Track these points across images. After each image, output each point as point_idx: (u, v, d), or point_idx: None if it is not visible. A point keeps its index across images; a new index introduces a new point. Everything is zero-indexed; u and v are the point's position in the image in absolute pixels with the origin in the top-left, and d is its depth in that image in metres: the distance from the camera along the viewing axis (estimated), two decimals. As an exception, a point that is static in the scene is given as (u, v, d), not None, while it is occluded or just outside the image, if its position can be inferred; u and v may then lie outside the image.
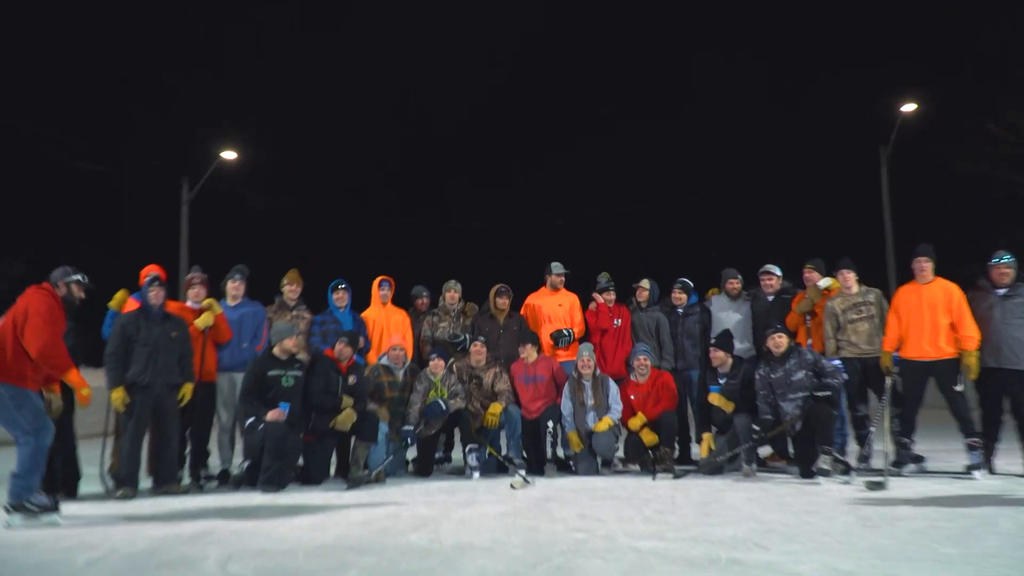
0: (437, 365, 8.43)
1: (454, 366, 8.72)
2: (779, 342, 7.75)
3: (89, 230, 29.79)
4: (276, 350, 7.67)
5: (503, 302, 9.14)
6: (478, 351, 8.68)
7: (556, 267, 9.45)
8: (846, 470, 7.30)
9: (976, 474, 7.35)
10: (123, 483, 6.99)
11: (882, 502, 6.03)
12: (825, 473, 7.25)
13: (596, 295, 9.14)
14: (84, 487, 7.18)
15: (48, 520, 5.70)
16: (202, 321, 7.78)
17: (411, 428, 8.17)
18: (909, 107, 22.74)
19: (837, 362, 7.89)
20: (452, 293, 9.30)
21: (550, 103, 38.50)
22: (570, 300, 9.38)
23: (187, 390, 7.34)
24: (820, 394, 7.47)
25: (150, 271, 7.89)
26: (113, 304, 7.80)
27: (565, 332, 9.07)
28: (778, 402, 7.67)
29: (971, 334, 7.55)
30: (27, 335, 5.79)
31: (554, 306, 9.30)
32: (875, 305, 8.13)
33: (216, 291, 8.28)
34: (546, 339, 9.10)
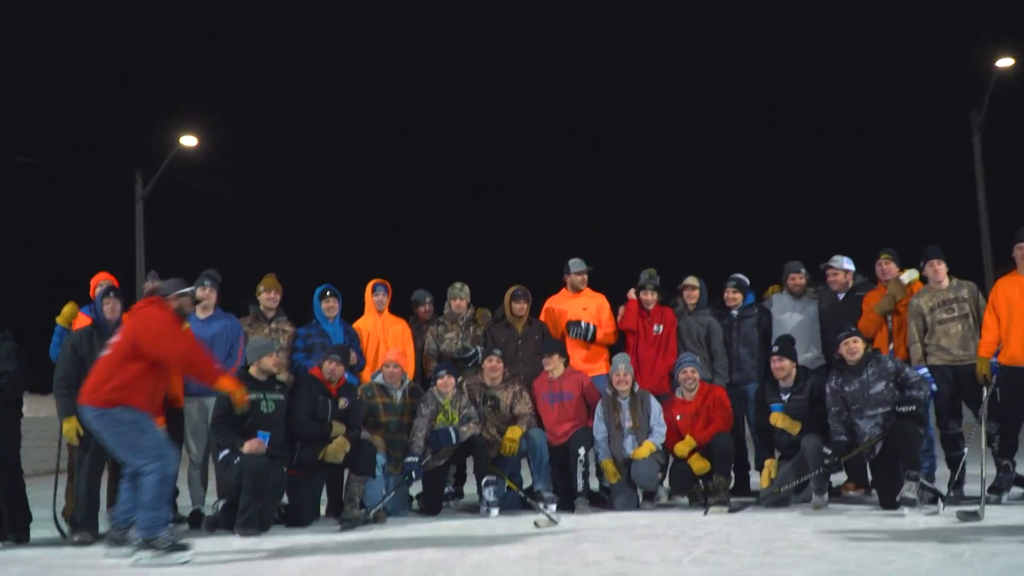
0: (447, 384, 8.48)
1: (465, 385, 8.81)
2: (854, 348, 7.77)
3: (28, 234, 30.08)
4: (253, 370, 7.78)
5: (520, 307, 9.20)
6: (493, 367, 8.74)
7: (575, 264, 9.50)
8: (935, 499, 7.33)
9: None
10: (80, 527, 7.12)
11: (977, 535, 6.07)
12: (910, 503, 7.26)
13: (631, 294, 9.20)
14: (36, 531, 7.35)
15: (178, 559, 5.99)
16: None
17: (415, 460, 8.24)
18: (1005, 62, 22.61)
19: (923, 371, 7.92)
20: (459, 301, 9.35)
21: (550, 103, 40.06)
22: (596, 302, 9.44)
23: None
24: (904, 409, 7.50)
25: (101, 279, 8.01)
26: (61, 320, 7.94)
27: (582, 324, 9.13)
28: (854, 420, 7.71)
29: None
30: (162, 348, 6.19)
31: (578, 310, 9.36)
32: (969, 302, 8.09)
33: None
34: (570, 352, 9.15)
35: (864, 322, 8.50)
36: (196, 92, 36.43)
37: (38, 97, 33.42)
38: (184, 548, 6.08)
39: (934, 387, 7.88)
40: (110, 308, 7.43)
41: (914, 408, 7.48)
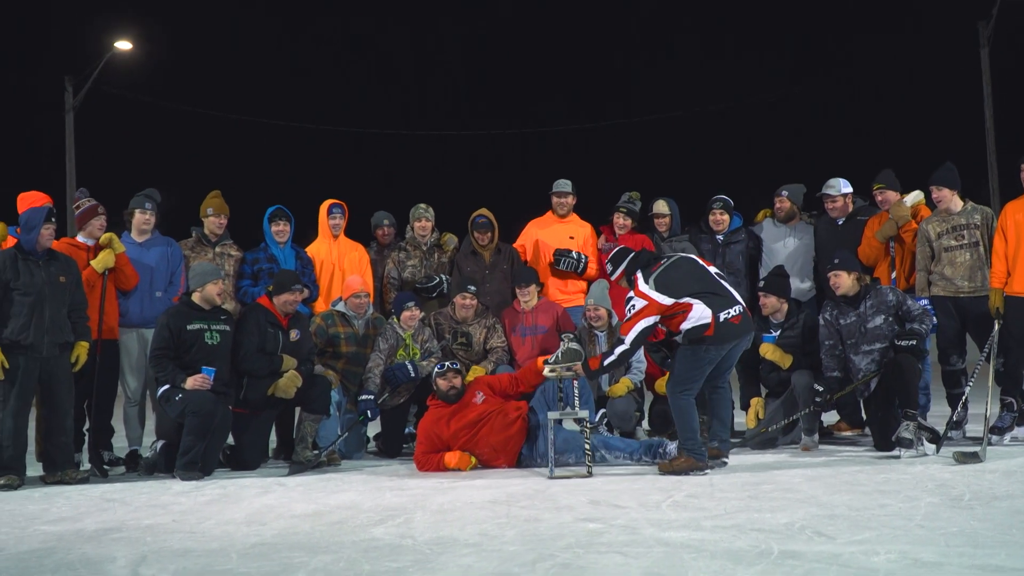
0: (413, 316, 8.42)
1: (431, 319, 8.76)
2: (836, 283, 7.76)
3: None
4: (196, 297, 7.68)
5: (483, 237, 9.11)
6: (466, 305, 8.65)
7: (559, 185, 9.42)
8: (933, 439, 7.39)
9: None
10: (6, 469, 7.05)
11: (977, 478, 6.13)
12: (907, 443, 7.30)
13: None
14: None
15: None
16: (100, 262, 7.76)
17: (370, 397, 8.20)
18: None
19: (924, 302, 7.92)
20: (423, 222, 9.26)
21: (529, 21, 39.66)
22: (584, 232, 9.39)
23: (81, 351, 7.37)
24: (903, 343, 7.52)
25: (36, 199, 7.84)
26: None
27: (573, 254, 9.06)
28: (849, 355, 7.73)
29: (1090, 265, 7.57)
30: None
31: (563, 237, 9.29)
32: (982, 229, 8.02)
33: (116, 222, 8.25)
34: (549, 282, 9.12)
35: (865, 249, 8.47)
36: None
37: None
38: None
39: (935, 320, 7.89)
40: (49, 234, 7.27)
41: (914, 342, 7.50)
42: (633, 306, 6.95)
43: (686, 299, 6.89)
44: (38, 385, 7.22)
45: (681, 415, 6.99)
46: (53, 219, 7.29)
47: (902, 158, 8.85)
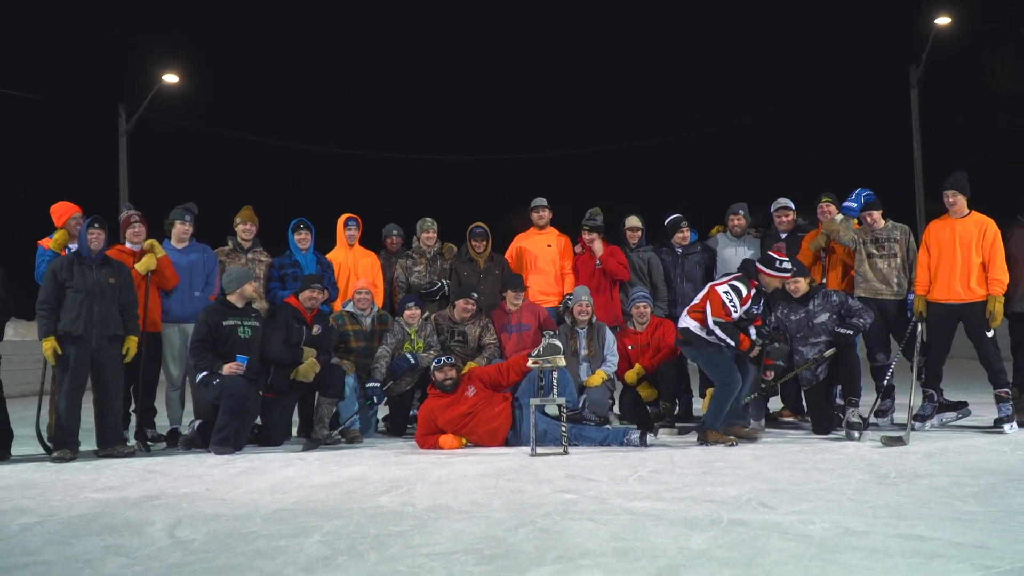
0: (414, 315, 8.42)
1: (433, 318, 8.75)
2: (796, 287, 7.76)
3: (16, 161, 29.53)
4: (233, 297, 7.68)
5: (479, 245, 9.12)
6: (466, 308, 8.62)
7: (537, 201, 9.47)
8: (863, 425, 7.41)
9: (1006, 427, 7.46)
10: (61, 444, 7.05)
11: (901, 459, 6.15)
12: (856, 426, 7.33)
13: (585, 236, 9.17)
14: (18, 448, 7.28)
15: None
16: (143, 265, 7.76)
17: (376, 385, 8.18)
18: (943, 20, 22.63)
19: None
20: (428, 233, 9.27)
21: (521, 46, 39.86)
22: (561, 241, 9.40)
23: (131, 344, 7.37)
24: (841, 330, 7.56)
25: (68, 209, 7.86)
26: (53, 245, 7.78)
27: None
28: (797, 347, 7.73)
29: (999, 276, 7.57)
30: None
31: (542, 246, 9.31)
32: (900, 243, 8.12)
33: (157, 230, 8.25)
34: (531, 284, 9.13)
35: (800, 256, 8.50)
36: (178, 28, 35.75)
37: (21, 30, 32.62)
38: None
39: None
40: (95, 238, 7.27)
41: (851, 332, 7.54)
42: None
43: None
44: (91, 371, 7.22)
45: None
46: (97, 225, 7.29)
47: (840, 184, 8.86)
